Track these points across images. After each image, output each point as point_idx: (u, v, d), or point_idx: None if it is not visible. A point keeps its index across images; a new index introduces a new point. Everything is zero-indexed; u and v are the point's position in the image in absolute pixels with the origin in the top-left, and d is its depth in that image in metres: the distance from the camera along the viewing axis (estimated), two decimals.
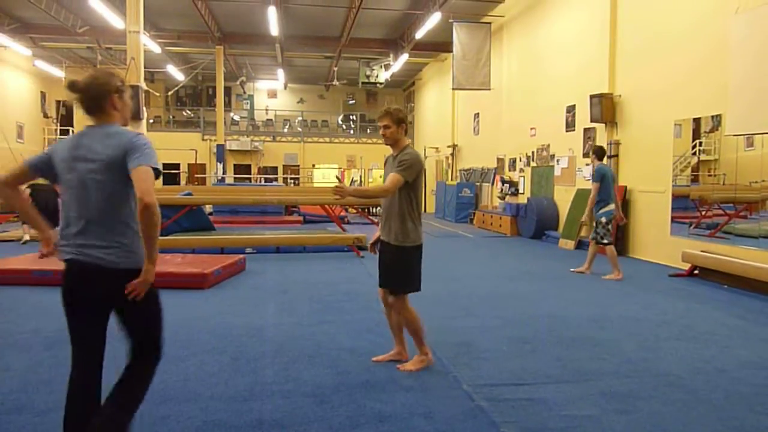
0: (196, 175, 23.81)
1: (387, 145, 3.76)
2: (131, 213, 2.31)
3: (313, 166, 25.78)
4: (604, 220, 7.28)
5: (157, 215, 2.18)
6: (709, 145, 8.13)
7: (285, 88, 27.55)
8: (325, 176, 24.88)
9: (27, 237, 10.19)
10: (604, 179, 7.24)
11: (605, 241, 7.32)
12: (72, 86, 2.35)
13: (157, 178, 2.28)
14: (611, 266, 7.33)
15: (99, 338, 2.35)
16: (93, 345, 2.34)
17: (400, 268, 3.66)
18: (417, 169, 3.60)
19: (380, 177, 25.93)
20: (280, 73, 23.97)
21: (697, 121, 8.28)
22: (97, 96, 2.33)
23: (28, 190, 8.42)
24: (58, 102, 22.78)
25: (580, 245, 10.31)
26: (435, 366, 3.82)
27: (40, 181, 2.48)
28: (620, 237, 9.45)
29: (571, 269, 7.83)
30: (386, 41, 19.00)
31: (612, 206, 7.30)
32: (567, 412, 3.08)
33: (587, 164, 10.83)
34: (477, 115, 17.23)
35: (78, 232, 2.28)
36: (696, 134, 8.39)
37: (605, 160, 8.05)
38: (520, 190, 13.96)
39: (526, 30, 13.66)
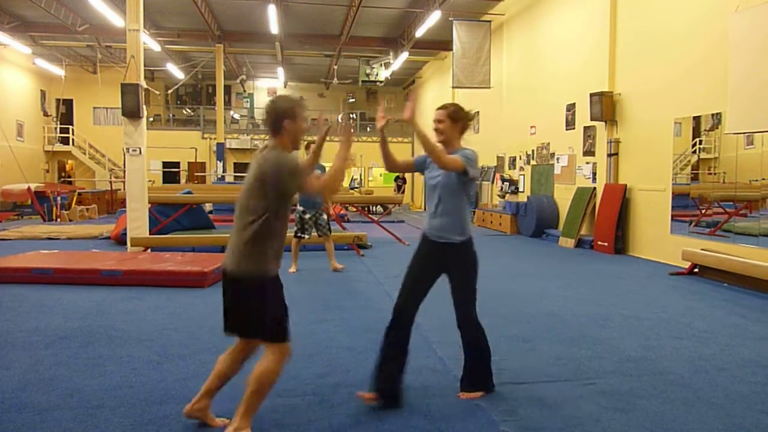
0: (196, 174, 23.82)
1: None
2: None
3: None
4: (326, 216, 7.72)
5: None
6: (709, 144, 8.13)
7: (285, 86, 27.53)
8: None
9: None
10: None
11: (328, 233, 7.75)
12: None
13: None
14: (329, 257, 7.79)
15: None
16: None
17: None
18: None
19: (380, 175, 26.10)
20: (280, 71, 23.96)
21: (697, 120, 8.29)
22: None
23: None
24: (57, 100, 22.74)
25: (581, 244, 10.31)
26: (435, 365, 3.83)
27: None
28: (620, 235, 9.46)
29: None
30: (386, 39, 18.97)
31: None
32: (566, 411, 3.09)
33: (587, 162, 10.84)
34: (477, 114, 17.21)
35: None
36: (696, 132, 8.40)
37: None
38: (520, 189, 13.96)
39: (526, 28, 13.65)
